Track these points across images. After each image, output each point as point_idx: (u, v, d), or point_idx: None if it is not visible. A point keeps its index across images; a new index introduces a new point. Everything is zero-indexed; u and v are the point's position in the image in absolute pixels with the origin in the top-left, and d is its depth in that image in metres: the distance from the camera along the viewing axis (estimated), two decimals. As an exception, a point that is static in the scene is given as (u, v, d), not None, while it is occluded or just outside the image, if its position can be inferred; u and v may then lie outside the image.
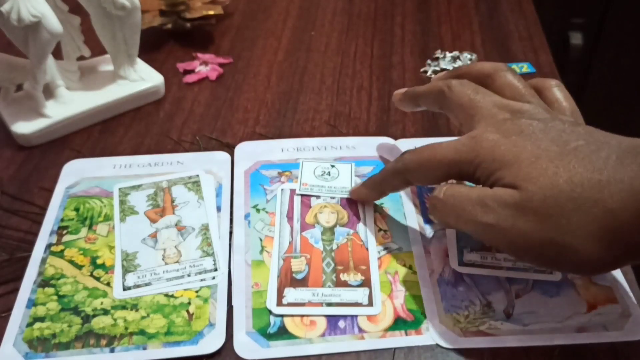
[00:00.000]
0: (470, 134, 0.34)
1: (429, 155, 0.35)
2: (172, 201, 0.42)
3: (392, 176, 0.38)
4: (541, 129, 0.32)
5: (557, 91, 0.37)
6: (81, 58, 0.52)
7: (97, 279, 0.37)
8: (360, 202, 0.42)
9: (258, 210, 0.42)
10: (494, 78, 0.37)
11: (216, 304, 0.36)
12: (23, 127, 0.47)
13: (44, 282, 0.37)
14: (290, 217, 0.41)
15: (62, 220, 0.41)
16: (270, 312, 0.35)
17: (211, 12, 0.60)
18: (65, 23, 0.48)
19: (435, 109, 0.39)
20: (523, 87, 0.36)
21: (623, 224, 0.27)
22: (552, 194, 0.29)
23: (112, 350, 0.34)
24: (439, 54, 0.58)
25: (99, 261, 0.38)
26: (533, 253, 0.30)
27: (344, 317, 0.35)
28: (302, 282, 0.37)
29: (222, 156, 0.46)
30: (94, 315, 0.35)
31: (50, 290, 0.37)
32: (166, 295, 0.37)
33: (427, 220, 0.41)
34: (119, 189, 0.43)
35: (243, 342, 0.34)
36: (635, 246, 0.28)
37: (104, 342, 0.34)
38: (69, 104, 0.49)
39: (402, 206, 0.42)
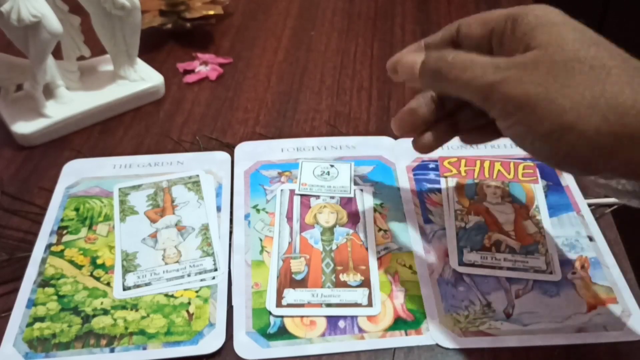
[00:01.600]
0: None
1: (489, 13, 0.33)
2: (172, 201, 0.42)
3: (444, 30, 0.36)
4: (580, 28, 0.30)
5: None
6: (81, 58, 0.52)
7: (97, 279, 0.37)
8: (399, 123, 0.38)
9: (258, 211, 0.42)
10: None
11: (216, 304, 0.36)
12: (23, 127, 0.47)
13: (44, 282, 0.37)
14: (289, 218, 0.41)
15: (62, 220, 0.41)
16: (270, 313, 0.35)
17: (211, 12, 0.60)
18: (65, 23, 0.48)
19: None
20: None
21: (627, 107, 0.27)
22: (565, 57, 0.28)
23: (112, 350, 0.34)
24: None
25: (99, 261, 0.38)
26: (531, 118, 0.29)
27: (344, 317, 0.35)
28: (302, 283, 0.37)
29: (222, 156, 0.46)
30: (94, 315, 0.35)
31: (50, 290, 0.37)
32: (166, 295, 0.37)
33: (427, 220, 0.41)
34: (119, 189, 0.43)
35: (243, 342, 0.34)
36: (632, 140, 0.27)
37: (104, 342, 0.34)
38: (69, 104, 0.49)
39: (402, 206, 0.42)
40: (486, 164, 0.44)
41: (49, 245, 0.39)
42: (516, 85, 0.29)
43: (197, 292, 0.37)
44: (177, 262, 0.38)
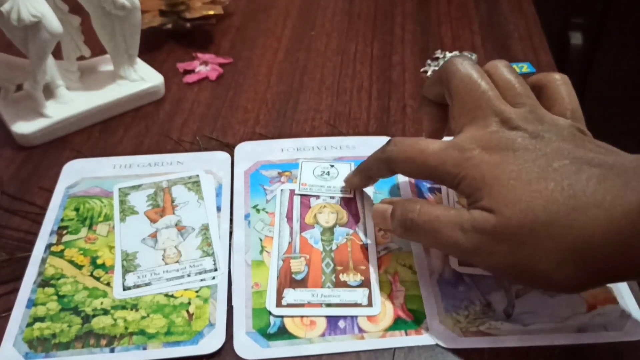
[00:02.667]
0: (457, 143, 0.33)
1: (413, 154, 0.34)
2: (172, 201, 0.42)
3: (377, 164, 0.37)
4: (525, 146, 0.31)
5: (560, 86, 0.35)
6: (81, 58, 0.52)
7: (97, 279, 0.38)
8: (353, 189, 0.42)
9: (258, 211, 0.42)
10: (490, 72, 0.35)
11: (216, 304, 0.36)
12: (23, 127, 0.47)
13: (44, 282, 0.37)
14: (289, 218, 0.41)
15: (62, 220, 0.41)
16: (270, 313, 0.35)
17: (211, 12, 0.60)
18: (65, 23, 0.48)
19: (438, 92, 0.38)
20: (519, 84, 0.35)
21: (597, 249, 0.27)
22: (527, 221, 0.29)
23: (112, 350, 0.34)
24: (439, 54, 0.58)
25: (99, 261, 0.39)
26: (510, 275, 0.32)
27: (344, 317, 0.35)
28: (302, 283, 0.37)
29: (222, 156, 0.46)
30: (94, 315, 0.35)
31: (50, 290, 0.37)
32: (166, 295, 0.37)
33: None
34: (119, 189, 0.43)
35: (243, 342, 0.34)
36: (609, 270, 0.28)
37: (104, 342, 0.34)
38: (69, 104, 0.49)
39: (402, 206, 0.42)
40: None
41: (49, 245, 0.40)
42: (487, 256, 0.31)
43: (197, 292, 0.37)
44: (177, 262, 0.38)
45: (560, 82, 0.36)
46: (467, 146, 0.32)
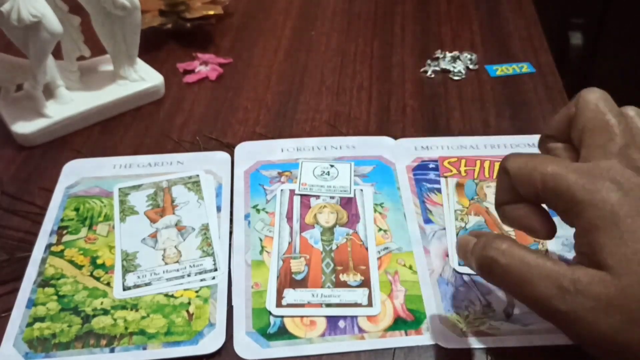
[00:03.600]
0: (594, 167, 0.27)
1: (534, 167, 0.29)
2: (172, 201, 0.42)
3: (500, 181, 0.31)
4: None
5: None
6: (81, 58, 0.52)
7: (97, 279, 0.37)
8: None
9: (258, 211, 0.42)
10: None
11: (216, 304, 0.36)
12: (23, 127, 0.47)
13: (44, 282, 0.37)
14: (289, 218, 0.41)
15: (62, 220, 0.41)
16: (270, 313, 0.35)
17: (211, 12, 0.60)
18: (65, 23, 0.48)
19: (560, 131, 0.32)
20: None
21: None
22: None
23: (112, 350, 0.34)
24: (439, 54, 0.58)
25: (99, 261, 0.39)
26: (610, 355, 0.26)
27: (344, 317, 0.35)
28: (302, 283, 0.37)
29: (222, 156, 0.46)
30: (94, 315, 0.35)
31: (50, 290, 0.37)
32: (166, 295, 0.37)
33: (427, 220, 0.41)
34: (119, 189, 0.43)
35: (243, 342, 0.34)
36: None
37: (104, 342, 0.34)
38: (69, 104, 0.49)
39: (402, 206, 0.42)
40: (486, 164, 0.44)
41: (49, 245, 0.40)
42: (587, 326, 0.26)
43: (197, 292, 0.37)
44: (177, 262, 0.38)
45: None
46: (602, 176, 0.27)
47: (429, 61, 0.57)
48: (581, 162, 0.29)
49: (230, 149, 0.47)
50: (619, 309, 0.25)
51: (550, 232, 0.31)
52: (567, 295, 0.26)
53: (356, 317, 0.35)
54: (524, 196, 0.30)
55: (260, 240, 0.40)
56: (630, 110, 0.31)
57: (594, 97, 0.30)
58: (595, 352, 0.27)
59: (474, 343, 0.34)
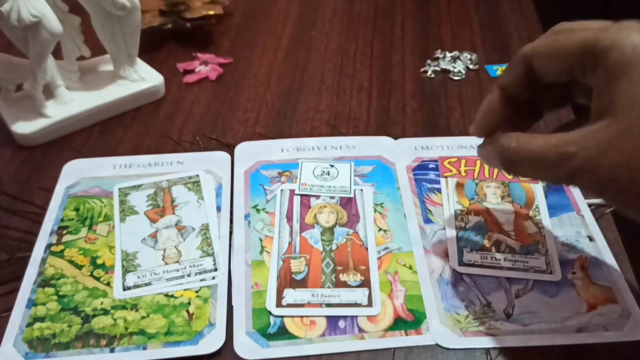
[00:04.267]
0: (615, 25, 0.29)
1: (563, 33, 0.31)
2: (172, 201, 0.42)
3: (515, 63, 0.32)
4: None
5: None
6: (81, 58, 0.52)
7: (97, 279, 0.37)
8: (479, 129, 0.35)
9: (258, 211, 0.42)
10: None
11: (216, 304, 0.36)
12: (23, 127, 0.47)
13: (44, 282, 0.37)
14: (289, 218, 0.41)
15: (62, 220, 0.41)
16: (270, 313, 0.35)
17: (211, 12, 0.60)
18: (65, 23, 0.48)
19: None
20: None
21: None
22: None
23: (112, 350, 0.34)
24: (439, 54, 0.58)
25: (99, 261, 0.38)
26: (615, 193, 0.27)
27: (344, 317, 0.35)
28: (302, 283, 0.37)
29: (222, 156, 0.46)
30: (94, 315, 0.35)
31: (50, 290, 0.37)
32: (166, 295, 0.37)
33: (427, 220, 0.41)
34: (119, 189, 0.43)
35: (243, 342, 0.34)
36: None
37: (104, 342, 0.34)
38: (69, 104, 0.49)
39: (402, 206, 0.42)
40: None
41: (49, 245, 0.39)
42: (593, 171, 0.27)
43: (197, 292, 0.37)
44: (177, 262, 0.38)
45: None
46: (625, 27, 0.29)
47: (429, 61, 0.57)
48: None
49: (230, 149, 0.47)
50: (617, 149, 0.26)
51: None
52: (569, 159, 0.27)
53: (356, 317, 0.35)
54: (547, 75, 0.31)
55: (260, 240, 0.40)
56: None
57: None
58: (607, 198, 0.28)
59: (474, 343, 0.34)
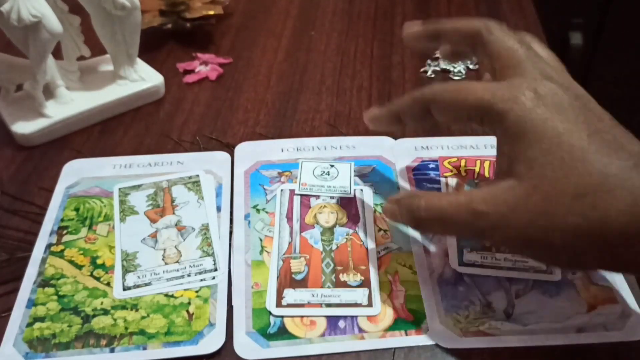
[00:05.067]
0: (511, 82, 0.31)
1: (459, 88, 0.32)
2: (172, 201, 0.42)
3: (414, 101, 0.35)
4: (571, 105, 0.30)
5: (538, 47, 0.35)
6: (81, 58, 0.52)
7: (97, 279, 0.37)
8: (374, 125, 0.39)
9: (258, 211, 0.42)
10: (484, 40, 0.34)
11: (216, 304, 0.36)
12: (23, 127, 0.47)
13: (44, 282, 0.37)
14: (289, 218, 0.41)
15: (62, 220, 0.41)
16: (270, 313, 0.35)
17: (211, 12, 0.60)
18: (65, 23, 0.48)
19: (463, 50, 0.37)
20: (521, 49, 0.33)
21: (617, 235, 0.27)
22: (557, 191, 0.28)
23: (112, 350, 0.34)
24: (439, 54, 0.58)
25: (99, 261, 0.39)
26: (523, 249, 0.31)
27: (344, 317, 0.35)
28: (302, 283, 0.37)
29: (222, 156, 0.46)
30: (94, 315, 0.35)
31: (50, 290, 0.37)
32: (166, 295, 0.37)
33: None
34: (119, 189, 0.43)
35: (243, 342, 0.34)
36: (627, 258, 0.28)
37: (104, 342, 0.34)
38: (69, 104, 0.49)
39: (402, 206, 0.42)
40: (486, 164, 0.44)
41: (49, 245, 0.40)
42: (503, 231, 0.30)
43: (197, 292, 0.37)
44: (177, 262, 0.38)
45: (536, 42, 0.35)
46: (522, 88, 0.30)
47: (429, 61, 0.57)
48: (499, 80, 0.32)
49: (230, 149, 0.47)
50: (525, 208, 0.28)
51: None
52: (482, 214, 0.30)
53: (356, 317, 0.35)
54: (444, 119, 0.34)
55: (260, 240, 0.40)
56: (526, 37, 0.35)
57: (496, 27, 0.34)
58: (516, 251, 0.33)
59: (474, 343, 0.34)
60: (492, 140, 0.47)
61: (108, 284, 0.37)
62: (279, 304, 0.36)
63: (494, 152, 0.46)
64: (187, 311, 0.36)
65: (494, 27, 0.34)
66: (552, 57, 0.35)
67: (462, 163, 0.45)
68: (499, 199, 0.29)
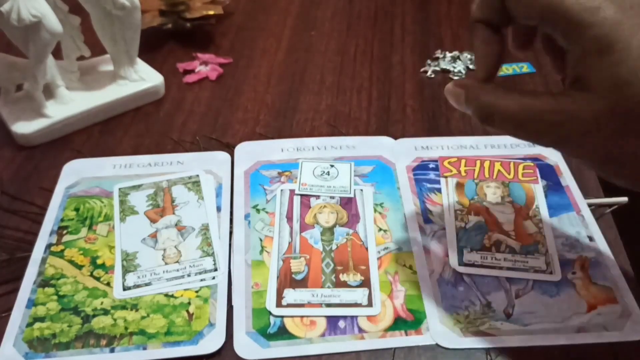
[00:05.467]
0: None
1: None
2: (172, 201, 0.42)
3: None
4: None
5: None
6: (81, 58, 0.52)
7: (97, 279, 0.37)
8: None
9: (258, 211, 0.42)
10: None
11: (216, 304, 0.36)
12: (23, 127, 0.47)
13: (44, 282, 0.37)
14: (289, 218, 0.41)
15: (62, 220, 0.41)
16: (270, 313, 0.35)
17: (211, 12, 0.60)
18: (65, 23, 0.48)
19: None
20: None
21: None
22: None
23: (112, 350, 0.34)
24: (439, 54, 0.58)
25: (99, 261, 0.38)
26: (608, 165, 0.28)
27: (344, 317, 0.35)
28: (302, 283, 0.37)
29: (222, 156, 0.46)
30: (94, 315, 0.35)
31: (50, 290, 0.37)
32: (166, 295, 0.37)
33: (427, 220, 0.41)
34: (119, 189, 0.43)
35: (243, 342, 0.34)
36: None
37: (104, 342, 0.34)
38: (69, 104, 0.49)
39: (402, 206, 0.42)
40: (486, 164, 0.44)
41: (49, 245, 0.39)
42: (585, 144, 0.27)
43: (197, 292, 0.37)
44: (177, 262, 0.38)
45: None
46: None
47: (429, 61, 0.57)
48: None
49: (230, 149, 0.47)
50: (609, 123, 0.26)
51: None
52: (559, 128, 0.27)
53: (356, 317, 0.35)
54: (517, 18, 0.30)
55: (260, 240, 0.40)
56: None
57: None
58: (599, 170, 0.29)
59: (474, 343, 0.34)
60: (492, 140, 0.47)
61: (108, 284, 0.37)
62: (279, 304, 0.36)
63: (494, 152, 0.46)
64: (187, 311, 0.36)
65: None
66: None
67: (462, 163, 0.45)
68: (580, 114, 0.26)
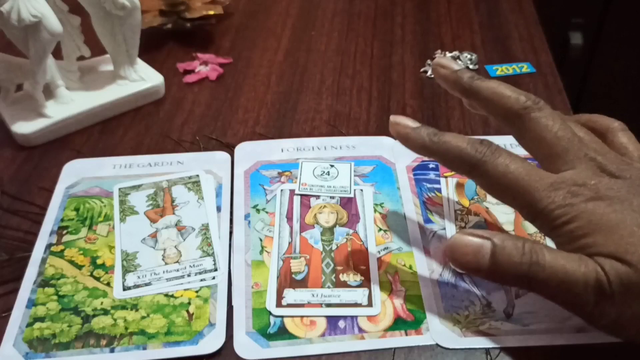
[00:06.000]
0: (563, 181, 0.31)
1: (514, 176, 0.32)
2: (172, 201, 0.42)
3: (460, 160, 0.34)
4: (629, 193, 0.30)
5: (623, 136, 0.35)
6: (81, 58, 0.52)
7: (97, 279, 0.38)
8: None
9: (258, 211, 0.42)
10: (606, 137, 0.35)
11: (216, 304, 0.36)
12: (23, 127, 0.47)
13: (44, 282, 0.37)
14: (289, 218, 0.41)
15: (62, 220, 0.41)
16: (270, 313, 0.35)
17: (211, 12, 0.60)
18: (65, 23, 0.48)
19: (497, 119, 0.36)
20: (635, 149, 0.34)
21: None
22: None
23: (112, 350, 0.34)
24: (439, 54, 0.58)
25: (99, 261, 0.39)
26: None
27: (344, 317, 0.35)
28: (302, 283, 0.37)
29: (222, 156, 0.46)
30: (94, 315, 0.35)
31: (50, 290, 0.37)
32: (166, 295, 0.37)
33: (427, 220, 0.41)
34: (119, 189, 0.43)
35: (243, 342, 0.34)
36: None
37: (104, 342, 0.34)
38: (69, 104, 0.49)
39: (402, 206, 0.42)
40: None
41: (49, 245, 0.40)
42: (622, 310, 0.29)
43: (197, 292, 0.37)
44: (177, 262, 0.38)
45: (622, 131, 0.36)
46: (580, 183, 0.30)
47: (429, 61, 0.57)
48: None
49: (230, 149, 0.47)
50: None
51: None
52: (601, 298, 0.29)
53: (356, 317, 0.35)
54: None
55: (260, 240, 0.40)
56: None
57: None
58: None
59: (474, 343, 0.34)
60: (492, 140, 0.47)
61: (108, 284, 0.37)
62: (279, 304, 0.36)
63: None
64: (187, 311, 0.36)
65: (536, 106, 0.33)
66: (634, 144, 0.35)
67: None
68: (620, 278, 0.29)
